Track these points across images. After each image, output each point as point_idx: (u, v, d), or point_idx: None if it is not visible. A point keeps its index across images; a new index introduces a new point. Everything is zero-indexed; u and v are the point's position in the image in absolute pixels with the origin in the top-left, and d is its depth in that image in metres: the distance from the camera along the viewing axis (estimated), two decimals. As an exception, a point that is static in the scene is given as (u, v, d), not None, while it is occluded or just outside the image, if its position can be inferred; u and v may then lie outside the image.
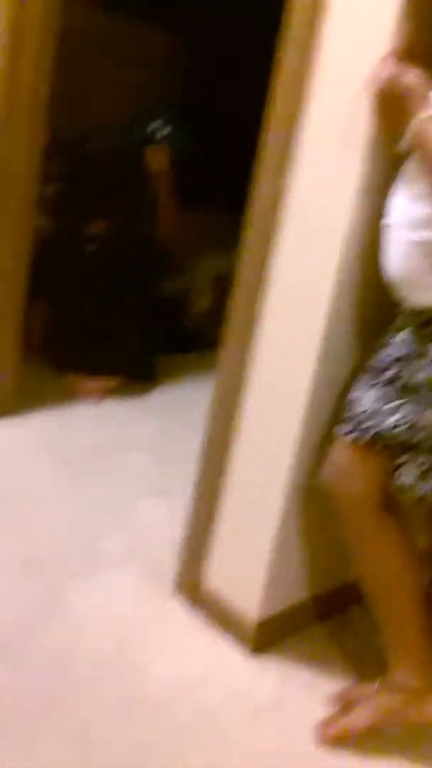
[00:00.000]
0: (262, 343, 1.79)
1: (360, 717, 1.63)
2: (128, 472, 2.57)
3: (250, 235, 1.78)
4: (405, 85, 1.42)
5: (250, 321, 1.79)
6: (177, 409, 3.13)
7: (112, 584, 2.01)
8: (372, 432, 1.55)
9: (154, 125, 3.29)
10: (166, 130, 3.32)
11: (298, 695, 1.76)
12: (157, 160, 3.30)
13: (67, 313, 3.17)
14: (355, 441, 1.57)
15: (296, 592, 1.93)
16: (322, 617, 2.01)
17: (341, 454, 1.62)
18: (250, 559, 1.84)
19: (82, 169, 3.24)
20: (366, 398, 1.57)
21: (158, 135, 3.30)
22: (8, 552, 2.04)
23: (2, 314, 2.65)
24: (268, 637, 1.87)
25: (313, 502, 1.84)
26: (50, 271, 3.17)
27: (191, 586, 1.97)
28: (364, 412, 1.56)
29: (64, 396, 3.02)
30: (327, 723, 1.66)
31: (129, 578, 2.04)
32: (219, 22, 4.41)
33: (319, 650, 1.91)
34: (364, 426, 1.56)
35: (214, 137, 4.81)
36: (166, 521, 2.31)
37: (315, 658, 1.88)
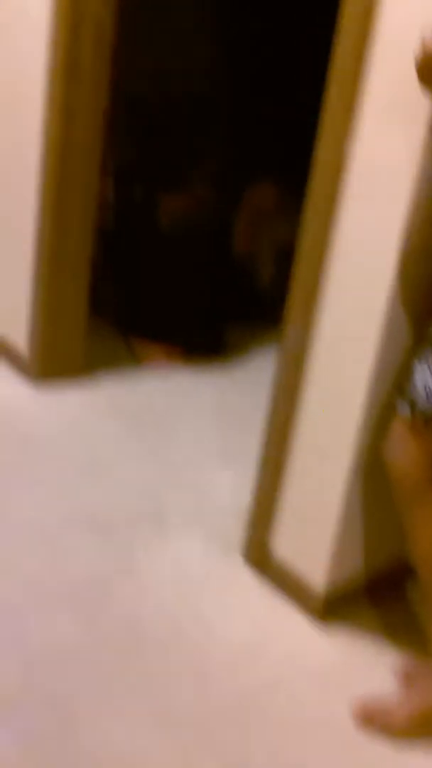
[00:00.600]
0: (325, 313, 1.77)
1: (403, 705, 1.63)
2: (194, 438, 2.60)
3: (312, 204, 1.76)
4: None
5: (314, 290, 1.78)
6: (242, 378, 3.14)
7: (181, 547, 2.04)
8: (422, 409, 1.56)
9: None
10: None
11: (364, 665, 1.78)
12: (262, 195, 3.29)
13: (138, 281, 3.18)
14: (407, 417, 1.59)
15: (364, 562, 1.94)
16: (391, 587, 2.02)
17: (396, 429, 1.63)
18: (317, 527, 1.85)
19: (156, 127, 3.20)
20: (420, 376, 1.57)
21: None
22: (80, 512, 2.09)
23: (70, 279, 2.68)
24: (335, 605, 1.89)
25: (381, 471, 1.84)
26: (123, 240, 3.19)
27: (258, 554, 1.99)
28: (417, 388, 1.57)
29: (132, 362, 3.05)
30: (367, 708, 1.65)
31: (197, 542, 2.07)
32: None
33: (385, 620, 1.92)
34: (416, 403, 1.57)
35: (281, 106, 4.74)
36: (232, 487, 2.33)
37: (381, 629, 1.89)
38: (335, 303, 1.76)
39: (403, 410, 1.60)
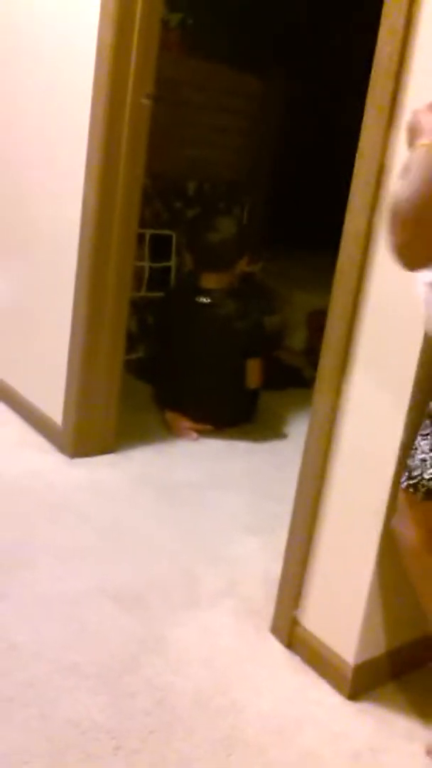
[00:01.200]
0: (355, 382, 1.79)
1: None
2: (224, 509, 2.60)
3: (342, 271, 1.80)
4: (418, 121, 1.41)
5: (345, 358, 1.80)
6: (274, 447, 3.15)
7: (210, 621, 2.03)
8: (418, 480, 1.58)
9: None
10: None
11: (396, 743, 1.73)
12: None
13: (172, 356, 3.25)
14: (407, 488, 1.61)
15: (394, 637, 1.91)
16: (423, 661, 1.98)
17: (401, 502, 1.66)
18: (347, 601, 1.84)
19: (199, 228, 3.34)
20: (421, 447, 1.59)
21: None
22: (108, 586, 2.10)
23: (105, 351, 2.74)
24: (366, 681, 1.85)
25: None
26: (164, 318, 3.28)
27: (288, 626, 1.98)
28: (416, 460, 1.59)
29: (163, 433, 3.09)
30: None
31: (225, 616, 2.06)
32: (311, 68, 4.50)
33: (417, 697, 1.88)
34: (413, 474, 1.59)
35: (307, 178, 4.89)
36: (261, 559, 2.32)
37: (413, 705, 1.85)
38: (365, 371, 1.77)
39: (403, 480, 1.62)
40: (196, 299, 3.16)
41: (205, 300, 3.15)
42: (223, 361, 3.14)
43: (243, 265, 3.32)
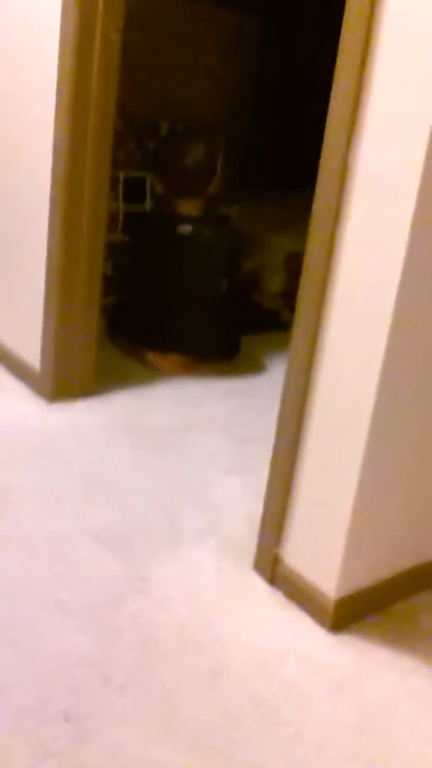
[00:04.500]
0: (333, 321, 1.79)
1: None
2: (205, 451, 2.62)
3: (319, 211, 1.78)
4: None
5: (321, 299, 1.80)
6: (253, 389, 3.16)
7: (192, 559, 2.06)
8: None
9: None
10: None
11: (377, 672, 1.78)
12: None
13: (150, 292, 3.22)
14: None
15: (376, 570, 1.95)
16: (403, 594, 2.02)
17: None
18: (328, 536, 1.87)
19: (173, 152, 3.28)
20: None
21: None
22: (92, 528, 2.12)
23: (82, 295, 2.72)
24: (347, 614, 1.90)
25: (390, 480, 1.85)
26: (142, 252, 3.23)
27: (270, 563, 2.01)
28: None
29: (142, 377, 3.09)
30: None
31: (208, 554, 2.09)
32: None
33: (399, 628, 1.93)
34: None
35: (287, 117, 4.82)
36: (242, 499, 2.35)
37: (395, 636, 1.90)
38: (343, 309, 1.77)
39: None
40: (177, 229, 3.12)
41: (186, 229, 3.11)
42: (207, 288, 3.13)
43: (214, 187, 3.28)
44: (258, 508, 2.06)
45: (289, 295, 3.77)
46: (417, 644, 1.88)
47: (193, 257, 3.12)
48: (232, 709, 1.62)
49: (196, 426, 2.79)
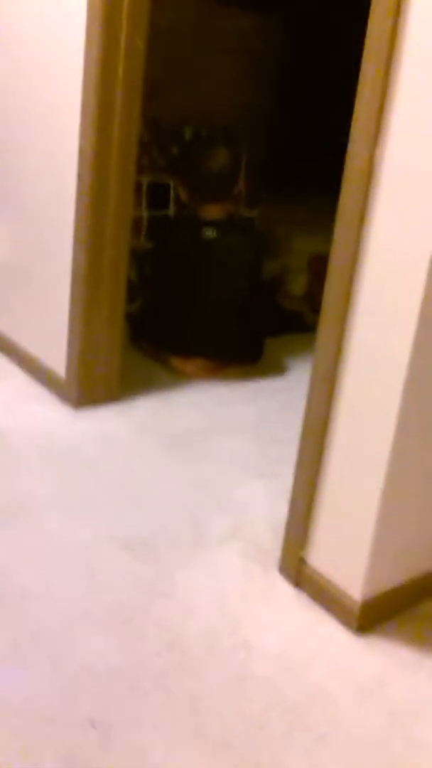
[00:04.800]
0: (358, 322, 1.79)
1: None
2: (229, 454, 2.62)
3: (344, 212, 1.77)
4: None
5: (346, 301, 1.79)
6: (277, 391, 3.16)
7: (218, 563, 2.06)
8: None
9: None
10: None
11: (403, 675, 1.77)
12: None
13: (174, 297, 3.23)
14: None
15: (402, 571, 1.94)
16: (430, 595, 2.01)
17: None
18: (353, 538, 1.86)
19: (197, 156, 3.30)
20: None
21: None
22: (117, 532, 2.13)
23: (106, 301, 2.74)
24: (373, 616, 1.89)
25: (415, 479, 1.84)
26: (167, 257, 3.25)
27: (295, 566, 2.00)
28: None
29: (167, 381, 3.10)
30: None
31: (233, 557, 2.09)
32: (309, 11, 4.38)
33: (425, 630, 1.91)
34: None
35: (309, 120, 4.81)
36: (267, 502, 2.35)
37: (421, 637, 1.88)
38: (369, 311, 1.76)
39: None
40: (202, 234, 3.13)
41: (211, 233, 3.12)
42: (231, 292, 3.13)
43: (237, 191, 3.29)
44: (283, 511, 2.06)
45: (313, 297, 3.76)
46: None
47: (218, 261, 3.13)
48: (258, 713, 1.62)
49: (220, 429, 2.79)
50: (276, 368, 3.36)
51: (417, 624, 1.93)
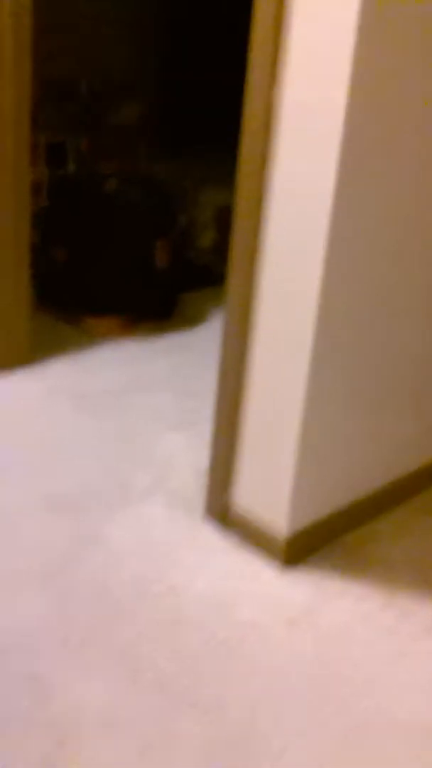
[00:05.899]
0: (265, 268, 1.80)
1: None
2: (147, 410, 2.62)
3: (245, 158, 1.77)
4: None
5: (253, 250, 1.81)
6: (191, 345, 3.17)
7: (144, 515, 2.08)
8: None
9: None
10: None
11: (330, 602, 1.83)
12: None
13: (82, 254, 3.19)
14: None
15: (326, 504, 1.99)
16: (353, 525, 2.07)
17: None
18: (275, 475, 1.90)
19: (98, 111, 3.23)
20: None
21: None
22: (39, 493, 2.11)
23: (11, 265, 2.68)
24: (300, 550, 1.94)
25: (334, 410, 1.89)
26: (69, 214, 3.19)
27: (220, 510, 2.04)
28: None
29: (79, 342, 3.07)
30: None
31: (159, 508, 2.11)
32: None
33: (350, 558, 1.98)
34: None
35: (209, 74, 4.75)
36: (189, 453, 2.37)
37: (346, 566, 1.95)
38: (275, 258, 1.78)
39: None
40: (104, 187, 3.08)
41: (112, 186, 3.07)
42: (138, 247, 3.11)
43: (138, 145, 3.24)
44: (204, 460, 2.08)
45: (222, 250, 3.76)
46: (367, 571, 1.93)
47: (120, 215, 3.09)
48: (192, 654, 1.65)
49: (137, 386, 2.79)
50: (188, 322, 3.37)
51: (342, 554, 1.99)
